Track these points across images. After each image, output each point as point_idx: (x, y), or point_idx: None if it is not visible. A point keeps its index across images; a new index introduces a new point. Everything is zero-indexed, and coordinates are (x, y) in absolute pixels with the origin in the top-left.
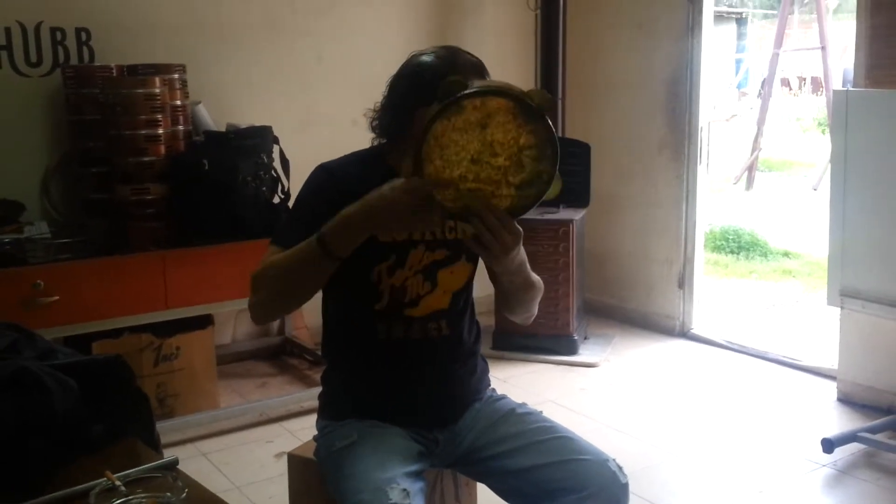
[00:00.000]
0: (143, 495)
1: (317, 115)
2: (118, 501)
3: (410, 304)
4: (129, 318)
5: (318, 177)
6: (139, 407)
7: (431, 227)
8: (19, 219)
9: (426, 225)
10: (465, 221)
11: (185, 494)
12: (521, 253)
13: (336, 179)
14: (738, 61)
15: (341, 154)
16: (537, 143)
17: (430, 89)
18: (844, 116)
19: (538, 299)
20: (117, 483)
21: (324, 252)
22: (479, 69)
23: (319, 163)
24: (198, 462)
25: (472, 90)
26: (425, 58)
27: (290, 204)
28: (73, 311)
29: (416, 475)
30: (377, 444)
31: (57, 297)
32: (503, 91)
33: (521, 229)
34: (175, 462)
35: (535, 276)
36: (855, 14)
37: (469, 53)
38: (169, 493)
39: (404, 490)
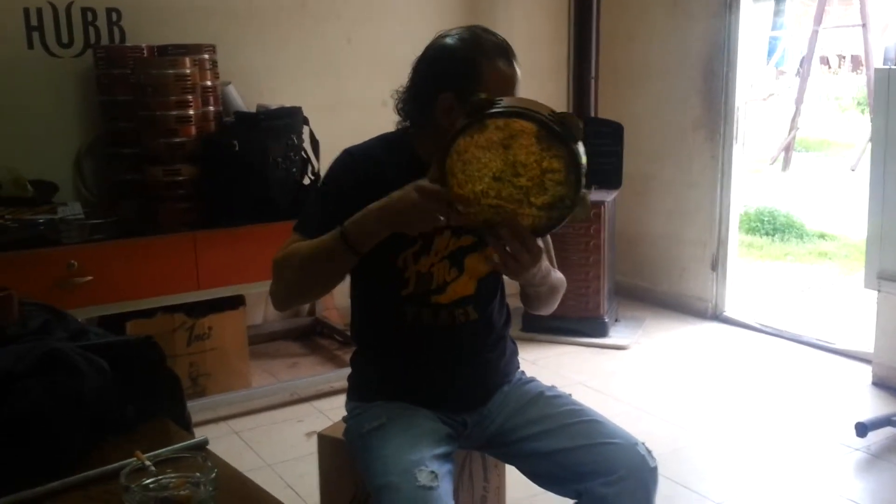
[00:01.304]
0: (172, 475)
1: (346, 96)
2: (148, 481)
3: (437, 290)
4: (162, 299)
5: (342, 161)
6: (170, 387)
7: (450, 224)
8: (53, 199)
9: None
10: (484, 235)
11: (214, 475)
12: (544, 265)
13: (360, 163)
14: (775, 39)
15: (370, 135)
16: (561, 167)
17: (451, 72)
18: (886, 95)
19: (560, 296)
20: (147, 463)
21: (345, 245)
22: (504, 50)
23: (346, 145)
24: (229, 440)
25: (496, 109)
26: (448, 40)
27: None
28: (107, 291)
29: (445, 457)
30: (406, 427)
31: (91, 278)
32: (528, 114)
33: (541, 247)
34: (205, 442)
35: (558, 276)
36: None
37: (494, 34)
38: (199, 474)
39: (432, 472)
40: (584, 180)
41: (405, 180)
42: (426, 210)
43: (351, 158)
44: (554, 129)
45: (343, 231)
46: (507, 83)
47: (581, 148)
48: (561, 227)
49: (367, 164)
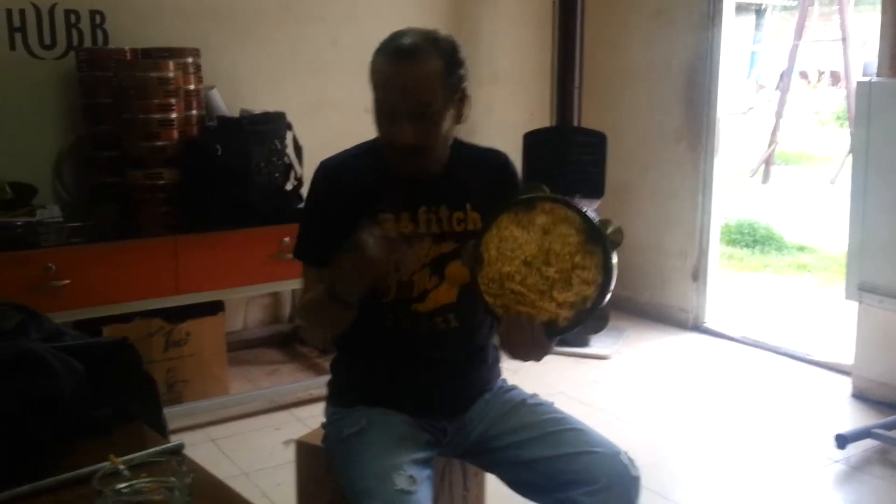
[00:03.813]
0: (146, 480)
1: (330, 100)
2: (121, 486)
3: (418, 298)
4: (140, 303)
5: (319, 177)
6: (146, 391)
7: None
8: (31, 202)
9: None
10: (499, 320)
11: (189, 479)
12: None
13: (335, 175)
14: (755, 53)
15: (354, 140)
16: (591, 266)
17: (372, 72)
18: (867, 108)
19: None
20: (121, 467)
21: (338, 304)
22: (395, 49)
23: (331, 150)
24: (206, 448)
25: (546, 195)
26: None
27: (303, 194)
28: (84, 295)
29: (424, 462)
30: (385, 432)
31: (68, 281)
32: (575, 206)
33: (550, 348)
34: (181, 447)
35: None
36: (877, 6)
37: (410, 37)
38: (173, 478)
39: (411, 477)
40: (610, 291)
41: (379, 187)
42: (379, 263)
43: (326, 172)
44: (596, 226)
45: (330, 292)
46: (387, 82)
47: (616, 259)
48: (572, 333)
49: (342, 175)
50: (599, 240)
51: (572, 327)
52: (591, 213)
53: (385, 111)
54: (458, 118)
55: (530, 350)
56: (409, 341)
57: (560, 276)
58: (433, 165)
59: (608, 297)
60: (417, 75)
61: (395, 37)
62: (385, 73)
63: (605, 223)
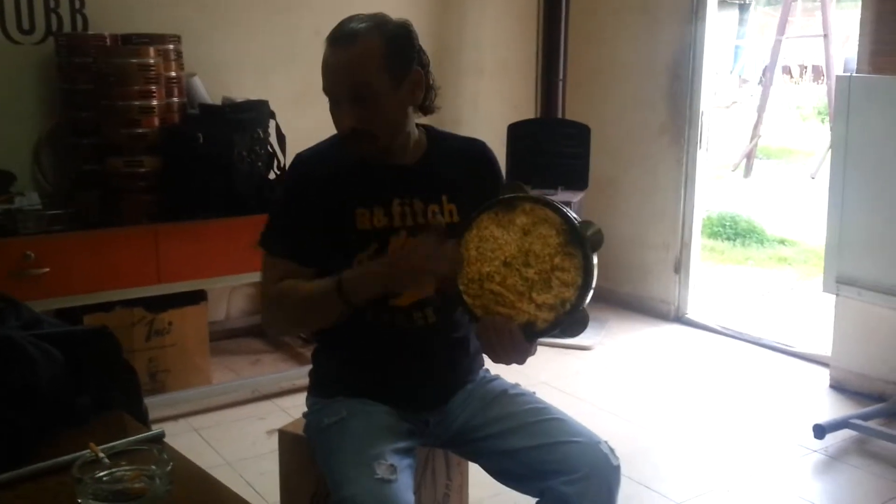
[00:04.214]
0: (127, 468)
1: (314, 89)
2: (101, 474)
3: (394, 293)
4: (121, 292)
5: (295, 168)
6: (126, 379)
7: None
8: (10, 189)
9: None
10: (478, 321)
11: (170, 467)
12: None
13: (311, 167)
14: (738, 48)
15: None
16: (571, 268)
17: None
18: (847, 103)
19: None
20: (101, 455)
21: (343, 300)
22: (334, 35)
23: (314, 139)
24: (189, 438)
25: (527, 195)
26: None
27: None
28: (64, 284)
29: (405, 452)
30: (366, 421)
31: (47, 269)
32: (556, 207)
33: (532, 351)
34: (161, 435)
35: None
36: (858, 2)
37: (353, 22)
38: (154, 466)
39: (391, 465)
40: (590, 292)
41: (353, 179)
42: (428, 275)
43: (302, 163)
44: (576, 228)
45: (340, 287)
46: (326, 68)
47: (596, 260)
48: (552, 335)
49: (318, 167)
50: (580, 241)
51: (551, 329)
52: (571, 214)
53: (330, 98)
54: (417, 105)
55: (510, 353)
56: (386, 336)
57: (539, 277)
58: (393, 154)
59: (588, 299)
60: (350, 57)
61: (340, 24)
62: (326, 59)
63: (585, 224)
